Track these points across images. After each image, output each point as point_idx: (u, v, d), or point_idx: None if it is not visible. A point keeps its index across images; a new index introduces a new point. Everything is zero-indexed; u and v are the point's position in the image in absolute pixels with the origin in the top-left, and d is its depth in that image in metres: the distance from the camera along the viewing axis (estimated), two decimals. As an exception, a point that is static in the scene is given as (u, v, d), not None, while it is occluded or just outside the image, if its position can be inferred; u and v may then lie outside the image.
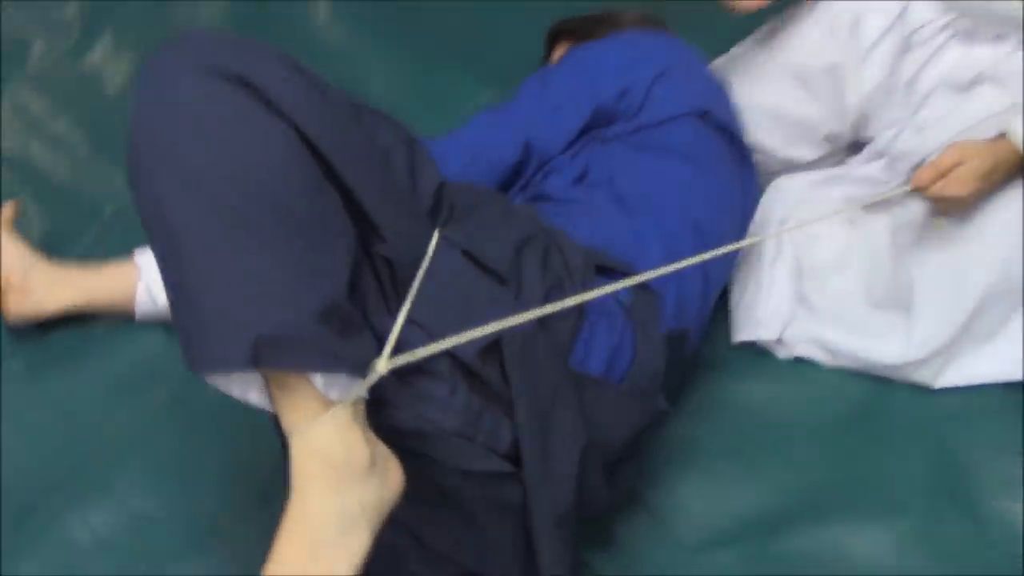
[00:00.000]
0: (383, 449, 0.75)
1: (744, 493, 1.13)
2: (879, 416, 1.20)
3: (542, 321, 0.84)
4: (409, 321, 0.78)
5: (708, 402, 1.21)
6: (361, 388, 0.72)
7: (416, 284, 0.79)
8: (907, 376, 1.22)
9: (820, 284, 1.29)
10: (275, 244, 0.68)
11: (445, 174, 0.86)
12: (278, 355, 0.66)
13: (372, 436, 0.74)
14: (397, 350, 0.76)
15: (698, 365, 1.21)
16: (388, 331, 0.76)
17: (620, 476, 0.96)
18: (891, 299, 1.24)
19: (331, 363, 0.69)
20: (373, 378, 0.74)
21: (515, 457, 0.84)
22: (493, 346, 0.81)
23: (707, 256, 0.95)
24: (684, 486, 1.13)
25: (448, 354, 0.79)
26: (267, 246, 0.68)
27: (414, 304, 0.78)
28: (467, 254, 0.83)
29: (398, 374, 0.78)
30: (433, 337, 0.77)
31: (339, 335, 0.70)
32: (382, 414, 0.79)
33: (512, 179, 1.13)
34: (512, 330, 0.80)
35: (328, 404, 0.70)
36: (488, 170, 1.11)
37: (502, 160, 1.11)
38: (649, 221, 1.02)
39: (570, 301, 0.84)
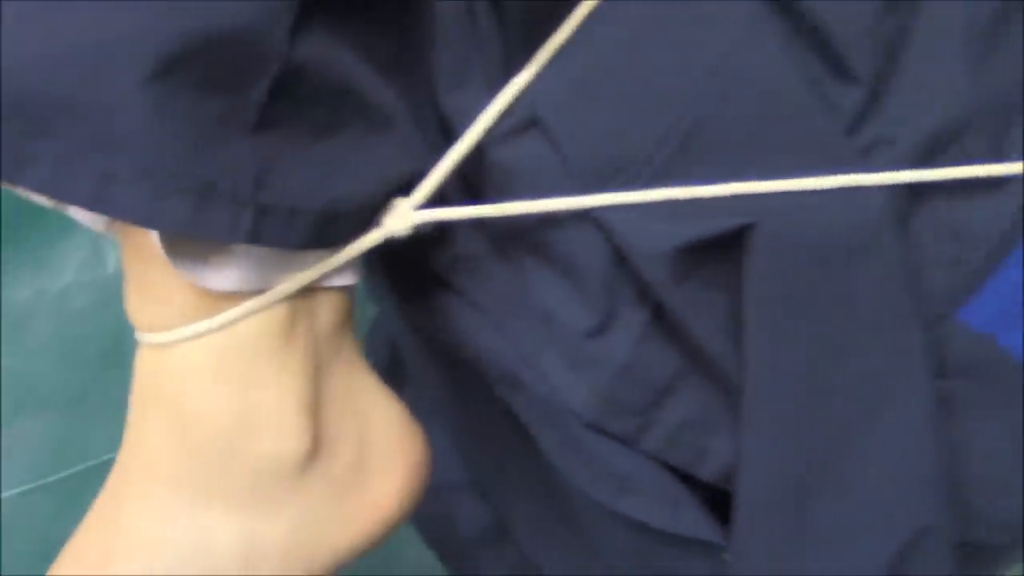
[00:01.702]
0: (384, 427, 0.33)
1: None
2: None
3: (919, 192, 0.31)
4: (530, 123, 0.31)
5: None
6: (319, 271, 0.30)
7: (575, 19, 0.30)
8: None
9: None
10: None
11: None
12: (30, 168, 0.24)
13: (356, 386, 0.32)
14: (477, 187, 0.33)
15: None
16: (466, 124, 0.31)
17: None
18: None
19: (181, 209, 0.25)
20: (355, 250, 0.30)
21: (724, 494, 0.34)
22: (736, 239, 0.30)
23: None
24: None
25: (606, 233, 0.30)
26: None
27: (553, 70, 0.31)
28: None
29: (495, 242, 0.33)
30: (580, 175, 0.31)
31: (254, 126, 0.26)
32: (451, 323, 0.36)
33: None
34: (802, 205, 0.29)
35: (219, 297, 0.28)
36: None
37: None
38: None
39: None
